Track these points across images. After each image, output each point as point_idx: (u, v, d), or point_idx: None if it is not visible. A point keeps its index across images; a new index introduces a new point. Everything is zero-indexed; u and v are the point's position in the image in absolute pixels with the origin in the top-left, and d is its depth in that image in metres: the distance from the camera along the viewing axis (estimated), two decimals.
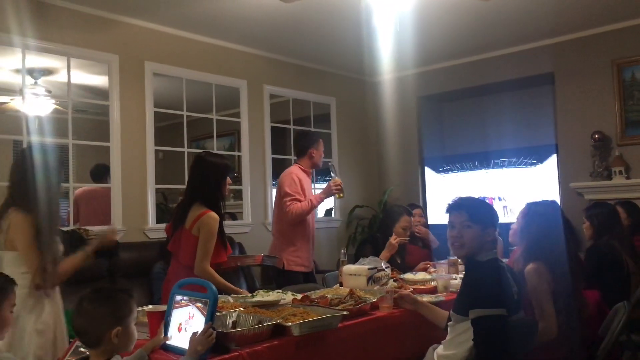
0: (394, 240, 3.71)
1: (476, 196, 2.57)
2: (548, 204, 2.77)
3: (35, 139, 4.48)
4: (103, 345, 1.76)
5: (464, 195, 2.39)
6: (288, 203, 3.75)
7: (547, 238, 2.56)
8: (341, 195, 3.84)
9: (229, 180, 3.00)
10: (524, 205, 2.84)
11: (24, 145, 4.22)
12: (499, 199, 6.00)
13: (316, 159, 3.98)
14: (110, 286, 2.21)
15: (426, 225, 4.47)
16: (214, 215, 2.85)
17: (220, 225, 2.88)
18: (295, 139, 4.12)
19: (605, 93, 5.39)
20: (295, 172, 3.90)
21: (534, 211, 2.70)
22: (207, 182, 2.93)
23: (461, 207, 2.29)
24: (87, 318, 1.77)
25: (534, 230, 2.61)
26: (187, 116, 5.22)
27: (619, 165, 5.18)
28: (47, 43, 4.27)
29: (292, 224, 3.79)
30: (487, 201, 2.40)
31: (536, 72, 5.85)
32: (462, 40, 5.65)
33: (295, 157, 4.06)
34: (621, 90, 5.31)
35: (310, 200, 3.77)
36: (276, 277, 3.92)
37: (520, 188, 5.85)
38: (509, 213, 5.84)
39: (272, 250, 3.96)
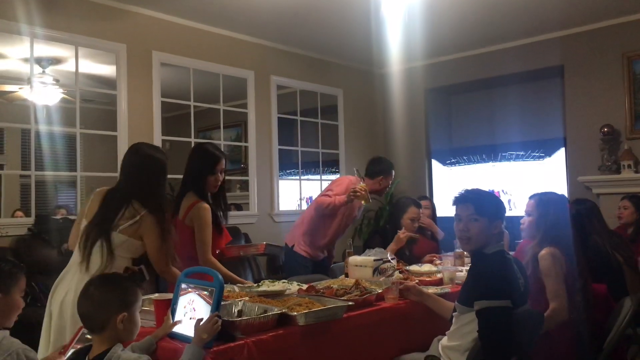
0: (402, 234, 3.70)
1: (484, 188, 2.55)
2: (556, 193, 2.78)
3: (43, 128, 4.49)
4: (107, 331, 1.77)
5: (470, 188, 2.38)
6: (322, 195, 3.95)
7: (562, 224, 2.56)
8: (365, 202, 3.83)
9: (219, 171, 2.93)
10: (528, 199, 2.83)
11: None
12: (503, 192, 5.98)
13: (381, 187, 4.04)
14: (117, 273, 2.21)
15: (434, 217, 4.44)
16: (204, 205, 2.83)
17: (214, 214, 2.88)
18: (369, 161, 4.16)
19: (615, 86, 5.35)
20: (355, 182, 3.95)
21: (546, 199, 2.70)
22: (194, 171, 2.93)
23: (468, 200, 2.28)
24: (93, 302, 1.78)
25: (551, 216, 2.61)
26: (194, 107, 5.22)
27: (627, 159, 5.14)
28: (55, 32, 4.27)
29: (316, 214, 3.95)
30: (494, 193, 2.38)
31: (545, 64, 5.80)
32: (471, 32, 5.62)
33: (364, 175, 4.06)
34: (631, 83, 5.27)
35: (334, 200, 3.82)
36: (285, 255, 4.06)
37: (528, 181, 5.83)
38: (514, 207, 5.82)
39: (291, 229, 4.14)
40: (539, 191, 2.83)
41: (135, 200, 2.44)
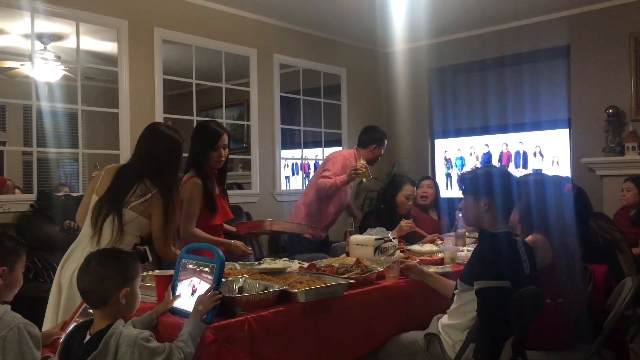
0: (404, 224, 3.68)
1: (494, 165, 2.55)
2: (537, 174, 2.74)
3: (45, 104, 4.48)
4: (109, 306, 1.78)
5: (475, 167, 2.39)
6: (321, 177, 3.93)
7: (540, 206, 2.52)
8: (365, 179, 3.81)
9: (221, 147, 2.95)
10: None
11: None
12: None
13: (374, 155, 4.03)
14: (117, 248, 2.21)
15: (437, 197, 4.41)
16: (195, 180, 2.88)
17: (207, 191, 2.91)
18: (362, 130, 4.15)
19: (621, 67, 5.29)
20: (348, 157, 3.97)
21: (522, 181, 2.66)
22: (196, 148, 2.96)
23: (461, 180, 2.37)
24: (95, 278, 1.79)
25: (524, 199, 2.56)
26: (197, 85, 5.19)
27: (632, 140, 5.10)
28: (56, 7, 4.23)
29: (317, 196, 3.96)
30: (489, 172, 2.30)
31: (551, 44, 5.74)
32: (475, 11, 5.54)
33: (357, 145, 4.09)
34: (637, 64, 5.20)
35: (335, 180, 3.81)
36: (289, 237, 4.13)
37: (530, 162, 5.81)
38: None
39: (292, 214, 4.16)
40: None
41: (147, 178, 2.45)
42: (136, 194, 2.43)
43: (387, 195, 4.08)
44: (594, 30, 5.45)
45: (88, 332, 1.79)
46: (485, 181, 2.26)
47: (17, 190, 5.32)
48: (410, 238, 3.71)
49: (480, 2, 5.26)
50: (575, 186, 2.99)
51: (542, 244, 2.45)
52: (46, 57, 5.41)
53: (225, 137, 2.96)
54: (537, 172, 2.78)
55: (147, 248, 2.57)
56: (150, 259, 2.55)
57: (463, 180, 2.35)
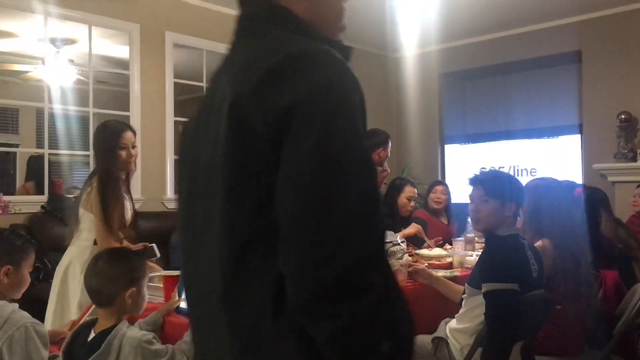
0: (414, 227, 3.67)
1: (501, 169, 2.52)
2: (545, 179, 2.71)
3: (57, 107, 4.52)
4: (115, 306, 1.78)
5: (486, 169, 2.37)
6: None
7: (547, 212, 2.49)
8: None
9: None
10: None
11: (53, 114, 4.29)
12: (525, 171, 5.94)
13: (381, 158, 3.98)
14: (125, 248, 2.23)
15: (449, 203, 4.38)
16: None
17: None
18: None
19: (634, 72, 5.25)
20: None
21: (529, 187, 2.62)
22: None
23: (479, 182, 2.28)
24: (102, 277, 1.79)
25: (530, 205, 2.53)
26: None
27: None
28: (69, 10, 4.28)
29: None
30: (510, 175, 2.29)
31: (562, 50, 5.70)
32: (486, 17, 5.53)
33: None
34: None
35: None
36: None
37: (542, 169, 5.78)
38: None
39: None
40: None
41: (95, 174, 2.58)
42: (85, 191, 2.57)
43: (388, 199, 4.07)
44: (606, 35, 5.42)
45: (92, 330, 1.79)
46: (512, 186, 2.25)
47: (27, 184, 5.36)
48: (417, 241, 3.70)
49: (490, 7, 5.25)
50: (586, 190, 2.96)
51: (547, 251, 2.43)
52: (59, 60, 5.47)
53: None
54: (545, 178, 2.74)
55: (154, 245, 2.59)
56: (159, 255, 2.58)
57: (485, 181, 2.25)
